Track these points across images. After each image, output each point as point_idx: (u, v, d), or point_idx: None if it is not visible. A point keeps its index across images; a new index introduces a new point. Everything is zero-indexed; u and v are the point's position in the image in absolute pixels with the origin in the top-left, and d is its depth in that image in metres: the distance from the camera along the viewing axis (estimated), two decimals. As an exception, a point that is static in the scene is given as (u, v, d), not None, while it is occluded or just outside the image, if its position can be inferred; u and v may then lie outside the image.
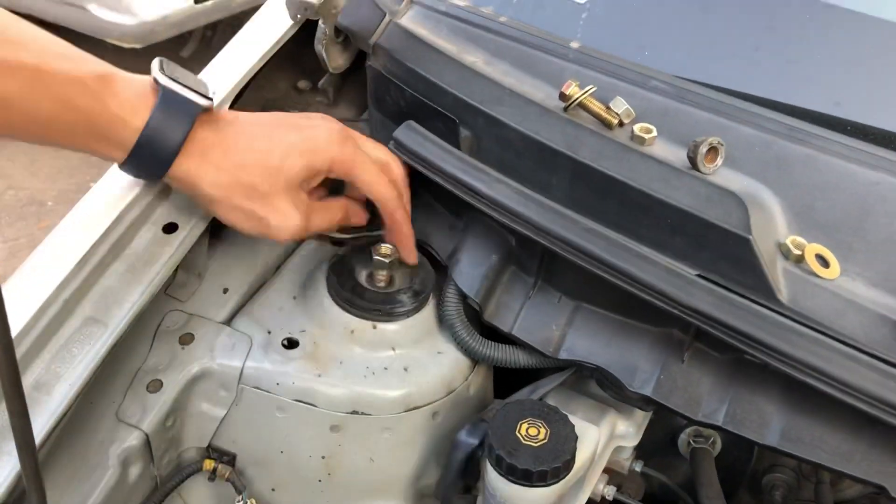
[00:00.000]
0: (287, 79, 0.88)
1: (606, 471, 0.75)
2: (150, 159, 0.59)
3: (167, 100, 0.58)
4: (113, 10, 2.27)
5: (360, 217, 0.71)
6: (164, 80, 0.58)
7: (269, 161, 0.62)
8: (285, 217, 0.62)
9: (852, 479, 0.55)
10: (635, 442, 0.72)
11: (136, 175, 0.63)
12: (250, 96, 0.84)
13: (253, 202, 0.62)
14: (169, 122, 0.58)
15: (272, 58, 0.81)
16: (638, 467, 0.77)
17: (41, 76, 0.54)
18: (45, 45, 0.56)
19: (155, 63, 0.60)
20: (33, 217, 2.48)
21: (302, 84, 0.87)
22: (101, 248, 0.63)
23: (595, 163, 0.63)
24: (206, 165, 0.60)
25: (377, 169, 0.67)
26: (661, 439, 0.81)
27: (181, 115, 0.59)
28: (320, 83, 0.85)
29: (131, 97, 0.58)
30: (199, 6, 2.42)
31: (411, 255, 0.70)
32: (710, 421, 0.59)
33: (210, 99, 0.60)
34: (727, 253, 0.59)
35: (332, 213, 0.68)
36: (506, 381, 0.77)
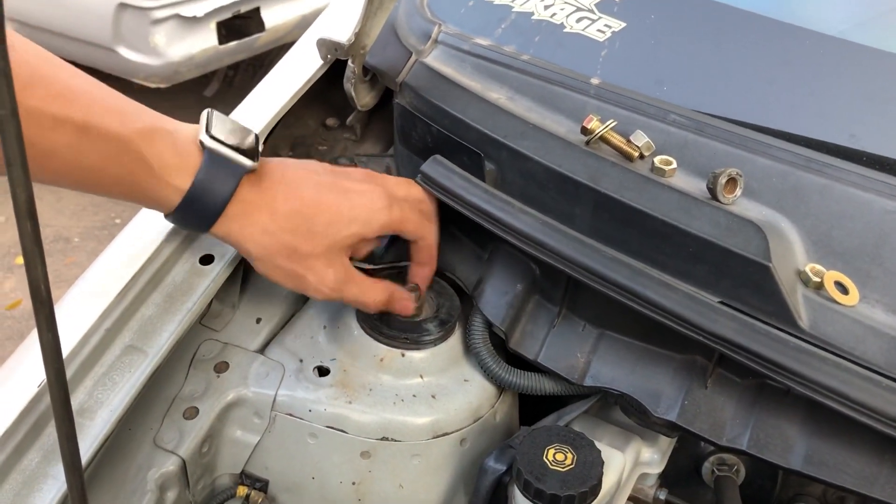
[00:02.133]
0: (315, 116, 0.91)
1: (631, 499, 0.76)
2: (194, 218, 0.61)
3: (212, 163, 0.60)
4: (140, 52, 2.34)
5: (405, 307, 0.70)
6: (209, 142, 0.60)
7: (314, 227, 0.63)
8: (321, 278, 0.64)
9: (877, 502, 0.56)
10: (660, 469, 0.72)
11: (181, 227, 0.66)
12: (280, 133, 0.87)
13: (293, 263, 0.64)
14: (213, 185, 0.60)
15: (301, 96, 0.84)
16: (662, 495, 0.78)
17: (87, 131, 0.56)
18: (94, 99, 0.57)
19: (203, 118, 0.61)
20: (59, 254, 2.52)
21: (330, 121, 0.90)
22: (141, 280, 0.66)
23: (617, 194, 0.65)
24: (251, 227, 0.62)
25: (419, 216, 0.69)
26: (685, 468, 0.82)
27: (226, 177, 0.60)
28: (348, 120, 0.88)
29: (176, 157, 0.59)
30: (223, 47, 2.49)
31: (426, 283, 0.73)
32: (734, 445, 0.60)
33: (255, 159, 0.62)
34: (748, 280, 0.60)
35: (372, 291, 0.68)
36: (531, 408, 0.78)
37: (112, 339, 0.63)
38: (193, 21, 2.37)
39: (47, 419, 0.58)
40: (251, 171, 0.61)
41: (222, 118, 0.62)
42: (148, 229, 0.69)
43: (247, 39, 2.52)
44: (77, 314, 0.63)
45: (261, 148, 0.64)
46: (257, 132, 0.77)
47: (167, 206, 0.61)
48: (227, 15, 2.47)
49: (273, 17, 2.56)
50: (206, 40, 2.43)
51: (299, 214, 0.63)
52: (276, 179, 0.64)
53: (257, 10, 2.53)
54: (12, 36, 0.56)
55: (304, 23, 2.64)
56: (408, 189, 0.71)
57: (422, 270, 0.71)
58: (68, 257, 2.51)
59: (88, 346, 0.61)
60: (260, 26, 2.54)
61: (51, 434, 0.58)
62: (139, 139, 0.58)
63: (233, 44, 2.50)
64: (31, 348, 0.63)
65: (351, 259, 0.68)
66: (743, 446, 0.60)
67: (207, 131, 0.60)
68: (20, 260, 2.50)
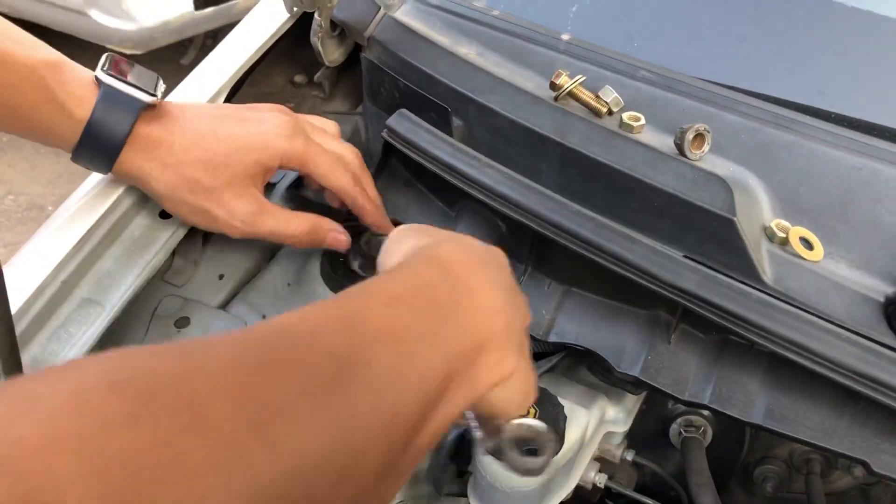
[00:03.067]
0: (283, 73, 0.89)
1: (598, 459, 0.76)
2: (97, 153, 0.60)
3: (109, 96, 0.59)
4: (113, 15, 2.29)
5: (337, 240, 0.68)
6: (105, 78, 0.59)
7: (214, 157, 0.62)
8: (230, 211, 0.63)
9: (835, 454, 0.56)
10: (625, 428, 0.72)
11: (87, 167, 0.63)
12: (247, 91, 0.85)
13: (197, 196, 0.62)
14: (112, 118, 0.59)
15: (269, 52, 0.82)
16: (629, 456, 0.78)
17: None
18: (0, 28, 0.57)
19: (102, 59, 0.61)
20: (33, 222, 2.49)
21: (298, 78, 0.89)
22: (99, 232, 0.64)
23: (584, 149, 0.64)
24: (151, 162, 0.61)
25: (331, 159, 0.67)
26: (652, 429, 0.82)
27: (124, 110, 0.59)
28: (316, 77, 0.86)
29: (77, 89, 0.59)
30: (199, 13, 2.45)
31: (389, 229, 0.71)
32: (696, 400, 0.60)
33: (155, 95, 0.61)
34: (713, 235, 0.60)
35: (291, 223, 0.66)
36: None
37: (68, 291, 0.62)
38: (169, -15, 2.34)
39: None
40: (149, 105, 0.61)
41: (124, 61, 0.62)
42: (108, 182, 0.68)
43: (223, 6, 2.47)
44: (33, 266, 0.62)
45: (162, 88, 0.63)
46: (219, 88, 0.76)
47: (69, 142, 0.60)
48: (203, -20, 2.43)
49: (250, -16, 2.52)
50: (181, 5, 2.38)
51: (197, 146, 0.62)
52: (176, 115, 0.63)
53: (234, -25, 2.49)
54: None
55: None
56: (325, 138, 0.69)
57: (364, 217, 0.70)
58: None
59: (43, 297, 0.60)
60: (237, -8, 2.51)
61: None
62: (43, 68, 0.57)
63: (209, 10, 2.45)
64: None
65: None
66: (705, 401, 0.60)
67: (103, 68, 0.60)
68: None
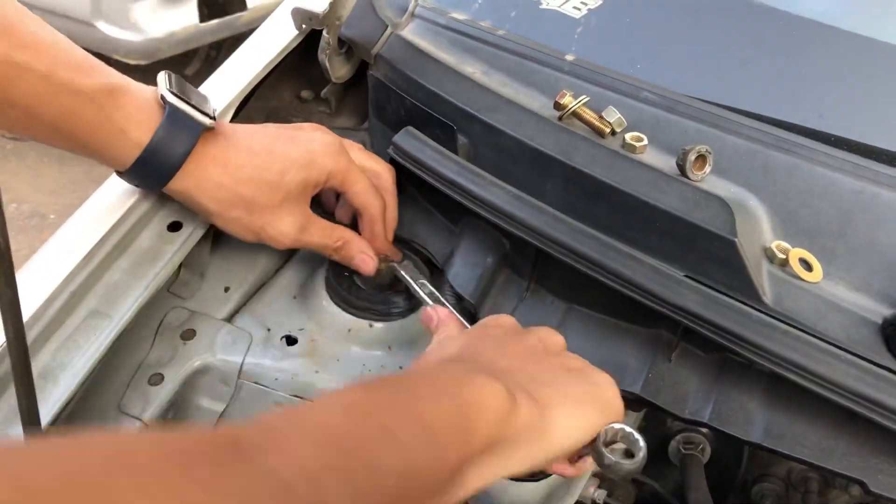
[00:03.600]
0: (290, 89, 0.90)
1: (597, 475, 0.77)
2: (151, 174, 0.62)
3: (173, 118, 0.60)
4: (120, 27, 2.31)
5: (364, 263, 0.70)
6: (171, 98, 0.60)
7: (268, 176, 0.64)
8: (281, 228, 0.65)
9: (833, 474, 0.57)
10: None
11: (135, 185, 0.65)
12: (254, 105, 0.86)
13: (252, 215, 0.64)
14: (172, 140, 0.60)
15: (276, 68, 0.83)
16: (629, 473, 0.78)
17: (49, 84, 0.56)
18: (60, 52, 0.58)
19: (162, 78, 0.62)
20: (35, 230, 2.50)
21: (305, 94, 0.90)
22: (108, 244, 0.65)
23: (588, 168, 0.65)
24: (205, 182, 0.63)
25: (368, 181, 0.70)
26: (651, 447, 0.82)
27: (185, 133, 0.61)
28: (323, 93, 0.87)
29: (136, 112, 0.60)
30: (205, 25, 2.46)
31: (395, 256, 0.73)
32: (696, 418, 0.61)
33: (213, 118, 0.62)
34: (714, 255, 0.60)
35: (329, 235, 0.69)
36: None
37: (77, 302, 0.63)
38: (175, -2, 2.36)
39: (6, 384, 0.57)
40: (209, 129, 0.62)
41: (181, 80, 0.63)
42: (117, 194, 0.68)
43: (228, 18, 2.50)
44: (42, 276, 0.62)
45: (215, 109, 0.64)
46: (228, 103, 0.77)
47: (123, 162, 0.61)
48: (210, -7, 2.45)
49: (255, -3, 2.54)
50: (187, 17, 2.40)
51: (251, 165, 0.63)
52: (229, 135, 0.64)
53: (240, -12, 2.51)
54: None
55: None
56: (364, 156, 0.71)
57: (376, 242, 0.72)
58: (44, 233, 2.49)
59: (52, 308, 0.61)
60: (242, 5, 2.52)
61: (10, 398, 0.58)
62: (102, 94, 0.58)
63: (214, 22, 2.47)
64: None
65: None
66: (705, 419, 0.60)
67: (169, 88, 0.61)
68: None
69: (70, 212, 0.70)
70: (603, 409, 0.52)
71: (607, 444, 0.51)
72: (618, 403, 0.53)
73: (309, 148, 0.66)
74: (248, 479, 0.29)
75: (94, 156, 0.61)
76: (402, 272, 0.70)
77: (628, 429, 0.52)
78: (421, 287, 0.68)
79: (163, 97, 0.60)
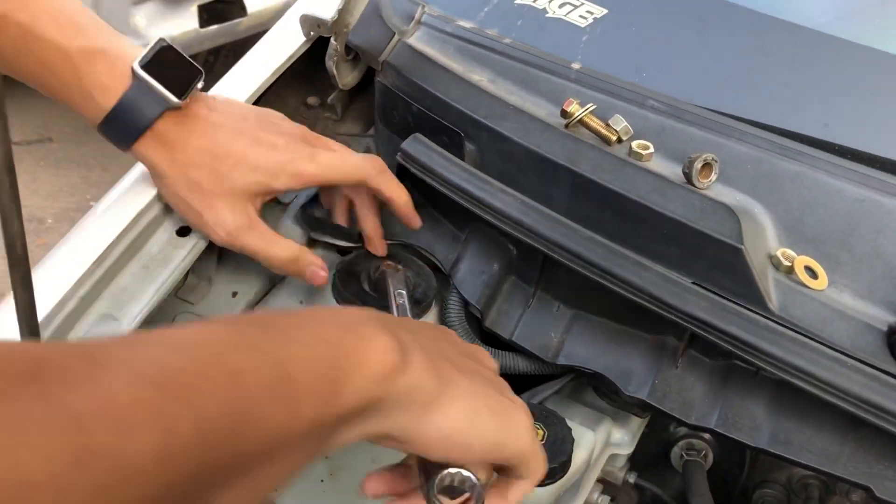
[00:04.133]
0: (296, 94, 0.91)
1: (602, 481, 0.77)
2: (116, 136, 0.65)
3: (137, 91, 0.63)
4: (121, 32, 2.32)
5: (315, 275, 0.69)
6: (139, 72, 0.62)
7: (219, 166, 0.65)
8: (219, 219, 0.66)
9: (838, 479, 0.57)
10: (629, 450, 0.74)
11: (109, 140, 0.67)
12: (261, 110, 0.87)
13: (193, 196, 0.66)
14: (134, 112, 0.63)
15: (283, 74, 0.84)
16: (632, 478, 0.79)
17: (29, 37, 0.59)
18: (45, 9, 0.60)
19: (147, 47, 0.64)
20: (32, 234, 2.49)
21: (311, 100, 0.90)
22: (117, 249, 0.66)
23: (594, 176, 0.66)
24: (162, 156, 0.65)
25: (342, 153, 0.70)
26: (654, 453, 0.83)
27: (148, 107, 0.63)
28: (329, 99, 0.88)
29: (106, 78, 0.62)
30: (204, 30, 2.48)
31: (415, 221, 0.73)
32: (702, 424, 0.61)
33: (183, 97, 0.64)
34: (720, 262, 0.61)
35: (274, 247, 0.67)
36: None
37: (87, 306, 0.63)
38: (174, 3, 2.36)
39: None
40: (175, 107, 0.64)
41: (171, 51, 0.64)
42: (126, 200, 0.69)
43: (228, 24, 2.50)
44: (52, 281, 0.63)
45: (199, 86, 0.66)
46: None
47: (92, 122, 0.64)
48: (209, -2, 2.46)
49: (255, 3, 2.55)
50: (186, 23, 2.41)
51: (207, 152, 0.65)
52: (199, 117, 0.66)
53: (240, -7, 2.52)
54: None
55: (286, 9, 2.62)
56: (342, 149, 0.71)
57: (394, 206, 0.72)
58: (40, 238, 2.49)
59: (63, 312, 0.61)
60: (242, 11, 2.53)
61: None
62: (79, 55, 0.61)
63: (213, 27, 2.49)
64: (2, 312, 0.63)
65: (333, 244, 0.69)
66: (711, 425, 0.61)
67: (143, 61, 0.63)
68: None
69: (67, 216, 0.72)
70: (506, 428, 0.45)
71: (443, 489, 0.44)
72: (524, 435, 0.47)
73: (270, 155, 0.66)
74: (32, 414, 0.26)
75: (70, 108, 0.64)
76: (389, 279, 0.70)
77: (475, 479, 0.43)
78: (397, 296, 0.67)
79: (133, 70, 0.63)
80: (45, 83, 0.62)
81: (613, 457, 0.74)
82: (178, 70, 0.64)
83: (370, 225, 0.73)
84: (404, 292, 0.68)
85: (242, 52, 0.89)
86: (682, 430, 0.81)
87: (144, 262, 0.67)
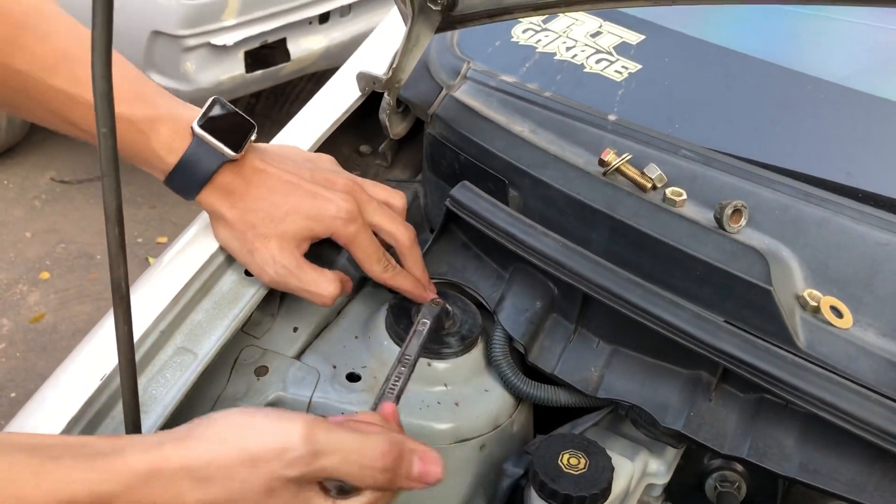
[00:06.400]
0: (349, 143, 0.97)
1: (639, 509, 0.80)
2: (181, 188, 0.72)
3: (198, 148, 0.70)
4: (172, 77, 2.43)
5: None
6: (197, 130, 0.69)
7: (274, 213, 0.72)
8: (266, 259, 0.72)
9: (866, 508, 0.61)
10: (665, 480, 0.77)
11: (175, 192, 0.74)
12: (316, 158, 0.93)
13: (247, 236, 0.72)
14: (195, 167, 0.70)
15: (339, 124, 0.90)
16: (668, 509, 0.82)
17: None
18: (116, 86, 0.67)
19: (204, 108, 0.71)
20: (83, 269, 2.59)
21: (363, 148, 0.96)
22: (193, 287, 0.71)
23: (631, 221, 0.71)
24: (222, 203, 0.72)
25: (372, 248, 0.75)
26: (689, 484, 0.86)
27: (207, 162, 0.70)
28: (380, 148, 0.94)
29: (170, 140, 0.69)
30: (250, 75, 2.57)
31: (426, 297, 0.78)
32: (735, 454, 0.65)
33: (239, 150, 0.70)
34: (750, 302, 0.66)
35: (321, 282, 0.73)
36: (545, 419, 0.82)
37: (165, 340, 0.69)
38: (223, 50, 2.46)
39: (107, 410, 0.63)
40: (232, 159, 0.71)
41: (225, 107, 0.71)
42: (198, 242, 0.75)
43: (272, 69, 2.61)
44: (136, 315, 0.68)
45: (253, 138, 0.72)
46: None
47: (160, 176, 0.72)
48: (255, 45, 2.56)
49: (298, 49, 2.65)
50: (233, 68, 2.51)
51: (265, 201, 0.72)
52: (258, 170, 0.73)
53: (283, 41, 2.62)
54: (54, 18, 0.68)
55: (328, 54, 2.72)
56: (383, 214, 0.76)
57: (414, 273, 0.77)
58: (91, 273, 2.58)
59: (144, 346, 0.67)
60: (285, 56, 2.63)
61: (109, 425, 0.64)
62: (145, 123, 0.68)
63: (259, 72, 2.58)
64: (92, 346, 0.69)
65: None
66: (743, 454, 0.65)
67: (201, 121, 0.70)
68: (45, 275, 2.58)
69: None
70: None
71: None
72: None
73: (322, 207, 0.72)
74: None
75: (136, 164, 0.71)
76: (423, 308, 0.75)
77: None
78: (420, 324, 0.72)
79: (192, 128, 0.70)
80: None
81: (650, 486, 0.77)
82: (234, 125, 0.71)
83: (408, 283, 0.78)
84: (428, 322, 0.73)
85: (283, 94, 0.96)
86: (716, 463, 0.84)
87: (216, 300, 0.72)
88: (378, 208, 0.76)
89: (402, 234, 0.76)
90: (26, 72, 0.66)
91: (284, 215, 0.72)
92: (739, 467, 0.83)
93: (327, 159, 0.80)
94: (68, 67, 0.67)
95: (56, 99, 0.68)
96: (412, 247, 0.77)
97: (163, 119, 0.70)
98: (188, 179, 0.71)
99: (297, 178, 0.74)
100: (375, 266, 0.76)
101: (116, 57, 0.66)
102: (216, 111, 0.71)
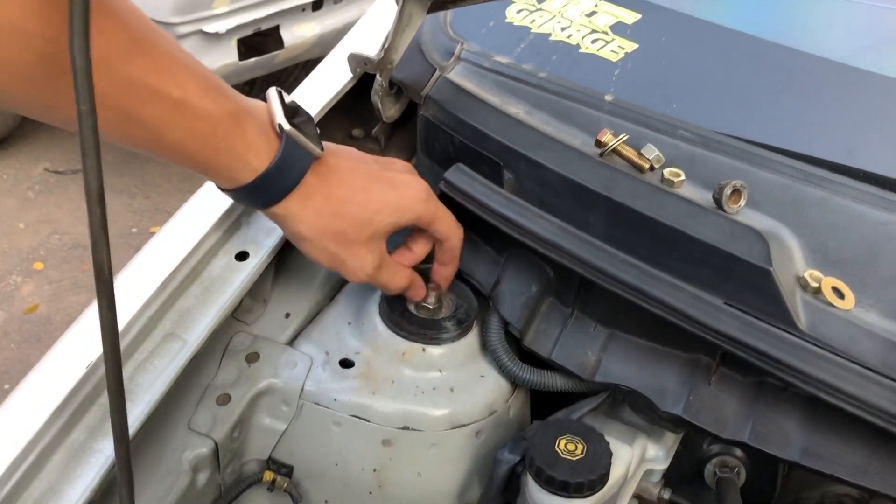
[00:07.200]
0: (341, 127, 0.95)
1: (637, 497, 0.79)
2: (258, 197, 0.64)
3: (289, 149, 0.62)
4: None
5: (419, 293, 0.75)
6: (288, 128, 0.62)
7: (363, 214, 0.67)
8: (361, 263, 0.69)
9: (868, 491, 0.60)
10: (664, 465, 0.76)
11: (236, 200, 0.68)
12: (308, 142, 0.91)
13: (339, 247, 0.67)
14: (286, 170, 0.62)
15: (331, 108, 0.89)
16: (666, 495, 0.81)
17: (181, 108, 0.56)
18: (191, 74, 0.57)
19: (275, 100, 0.63)
20: (77, 260, 2.57)
21: (356, 132, 0.95)
22: (181, 272, 0.70)
23: (629, 202, 0.69)
24: (306, 209, 0.65)
25: (453, 220, 0.73)
26: (688, 469, 0.85)
27: (298, 163, 0.63)
28: (373, 131, 0.92)
29: (256, 139, 0.61)
30: (243, 62, 2.55)
31: (447, 285, 0.77)
32: (736, 438, 0.64)
33: (322, 148, 0.65)
34: (750, 283, 0.64)
35: (398, 276, 0.72)
36: (542, 405, 0.81)
37: (153, 326, 0.67)
38: (216, 37, 2.44)
39: (93, 398, 0.62)
40: (317, 159, 0.65)
41: (289, 101, 0.64)
42: (187, 226, 0.74)
43: (266, 56, 2.58)
44: (122, 301, 0.67)
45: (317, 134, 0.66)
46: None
47: (235, 183, 0.63)
48: (248, 32, 2.54)
49: (291, 36, 2.63)
50: (227, 56, 2.49)
51: (351, 202, 0.67)
52: (332, 167, 0.67)
53: (276, 28, 2.60)
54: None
55: (321, 42, 2.70)
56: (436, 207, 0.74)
57: (444, 270, 0.75)
58: (85, 264, 2.57)
59: (131, 332, 0.65)
60: (279, 44, 2.61)
61: (95, 412, 0.62)
62: (227, 119, 0.59)
63: (252, 60, 2.56)
64: (78, 333, 0.67)
65: None
66: (744, 439, 0.63)
67: (286, 116, 0.62)
68: (39, 265, 2.56)
69: (110, 243, 0.74)
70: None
71: None
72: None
73: (404, 193, 0.69)
74: None
75: (206, 174, 0.63)
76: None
77: None
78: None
79: (280, 126, 0.62)
80: (191, 153, 0.59)
81: (649, 472, 0.76)
82: (304, 119, 0.64)
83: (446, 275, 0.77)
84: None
85: (277, 82, 0.94)
86: (716, 448, 0.82)
87: (206, 285, 0.71)
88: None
89: (457, 231, 0.74)
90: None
91: (373, 215, 0.68)
92: (739, 452, 0.81)
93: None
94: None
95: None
96: (460, 247, 0.75)
97: (247, 115, 0.60)
98: (276, 187, 0.63)
99: (370, 169, 0.70)
100: (458, 235, 0.73)
101: (180, 47, 0.59)
102: (288, 105, 0.64)
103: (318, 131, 0.66)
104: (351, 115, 0.95)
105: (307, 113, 0.65)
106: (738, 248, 0.65)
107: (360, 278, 0.70)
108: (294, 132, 0.62)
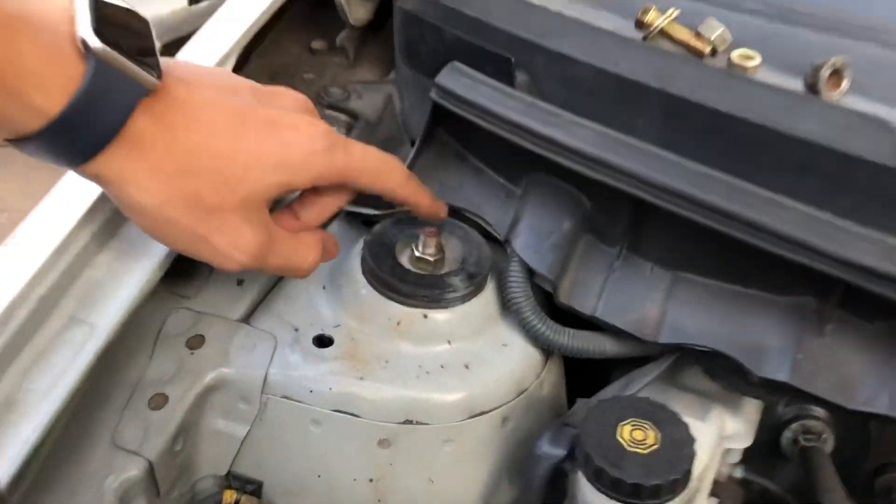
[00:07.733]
0: (298, 40, 0.79)
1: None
2: (60, 153, 0.43)
3: (100, 77, 0.41)
4: (101, 14, 2.24)
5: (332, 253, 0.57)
6: (97, 46, 0.41)
7: (229, 168, 0.47)
8: (234, 239, 0.48)
9: None
10: (748, 443, 0.61)
11: (30, 155, 0.45)
12: (257, 62, 0.75)
13: (194, 217, 0.47)
14: (97, 111, 0.42)
15: (282, 17, 0.72)
16: (739, 473, 0.66)
17: None
18: None
19: (82, 4, 0.42)
20: None
21: (317, 44, 0.78)
22: (85, 234, 0.53)
23: (694, 96, 0.52)
24: (138, 165, 0.45)
25: (377, 154, 0.54)
26: (760, 440, 0.70)
27: (118, 101, 0.42)
28: (338, 40, 0.77)
29: (42, 65, 0.40)
30: (194, 8, 2.37)
31: (443, 212, 0.60)
32: (872, 409, 0.48)
33: (158, 74, 0.44)
34: (878, 193, 0.47)
35: (300, 251, 0.53)
36: (574, 378, 0.66)
37: (48, 310, 0.50)
38: (160, -21, 2.27)
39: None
40: (152, 90, 0.44)
41: (121, 9, 0.43)
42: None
43: (219, 1, 2.41)
44: (2, 280, 0.49)
45: (158, 49, 0.45)
46: (219, 59, 0.63)
47: (15, 133, 0.42)
48: (198, -26, 2.36)
49: (246, -23, 2.45)
50: (175, 1, 2.32)
51: (208, 151, 0.46)
52: (179, 101, 0.46)
53: (229, -31, 2.41)
54: None
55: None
56: (365, 152, 0.54)
57: (422, 208, 0.57)
58: None
59: (15, 321, 0.48)
60: (232, -13, 2.43)
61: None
62: None
63: (204, 4, 2.38)
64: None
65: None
66: (883, 410, 0.48)
67: (95, 25, 0.41)
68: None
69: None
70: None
71: None
72: None
73: (293, 141, 0.49)
74: None
75: None
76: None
77: None
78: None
79: (84, 42, 0.41)
80: None
81: (727, 452, 0.61)
82: (129, 30, 0.43)
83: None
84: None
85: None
86: (792, 410, 0.68)
87: (121, 248, 0.54)
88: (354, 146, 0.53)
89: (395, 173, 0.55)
90: None
91: (244, 171, 0.47)
92: (822, 413, 0.67)
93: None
94: None
95: None
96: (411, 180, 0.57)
97: (26, 23, 0.40)
98: (83, 137, 0.42)
99: (240, 105, 0.49)
100: (398, 174, 0.54)
101: None
102: (102, 8, 0.42)
103: (158, 46, 0.45)
104: (309, 24, 0.78)
105: (139, 17, 0.44)
106: (858, 145, 0.48)
107: (237, 263, 0.49)
108: (107, 51, 0.41)
